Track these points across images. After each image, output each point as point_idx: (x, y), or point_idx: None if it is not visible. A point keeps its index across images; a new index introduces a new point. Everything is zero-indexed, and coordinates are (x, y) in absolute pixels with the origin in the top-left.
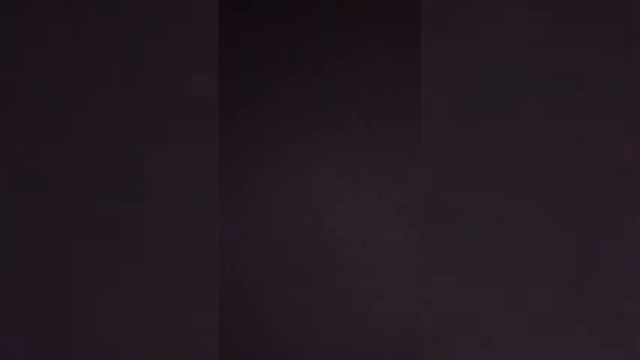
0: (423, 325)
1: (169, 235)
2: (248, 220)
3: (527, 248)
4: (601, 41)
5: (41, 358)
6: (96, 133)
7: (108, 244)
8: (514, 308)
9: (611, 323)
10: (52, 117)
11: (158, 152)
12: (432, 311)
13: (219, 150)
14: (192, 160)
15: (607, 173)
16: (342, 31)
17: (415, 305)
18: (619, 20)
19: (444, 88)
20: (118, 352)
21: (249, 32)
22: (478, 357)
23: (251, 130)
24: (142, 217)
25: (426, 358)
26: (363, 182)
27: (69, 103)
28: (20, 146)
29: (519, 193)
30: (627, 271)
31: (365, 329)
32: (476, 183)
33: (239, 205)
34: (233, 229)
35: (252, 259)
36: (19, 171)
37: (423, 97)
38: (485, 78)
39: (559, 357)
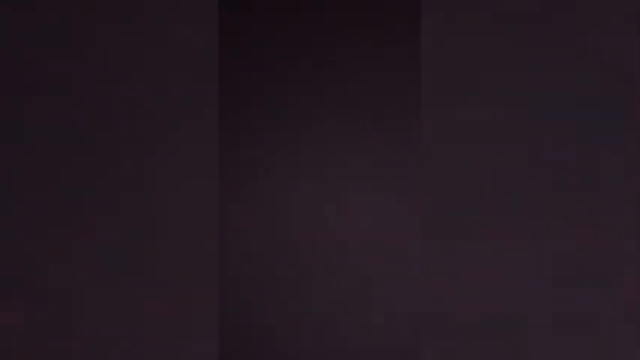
0: (423, 325)
1: (169, 234)
2: (248, 220)
3: (528, 248)
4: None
5: (41, 356)
6: (96, 132)
7: (108, 245)
8: (514, 308)
9: (612, 325)
10: (52, 114)
11: (158, 152)
12: (432, 311)
13: (219, 150)
14: (193, 160)
15: (608, 174)
16: (342, 31)
17: (415, 305)
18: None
19: (444, 88)
20: (118, 352)
21: (249, 32)
22: (478, 357)
23: (251, 130)
24: (142, 217)
25: (426, 358)
26: (363, 182)
27: (68, 103)
28: (20, 144)
29: (520, 192)
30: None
31: (365, 329)
32: (477, 183)
33: (239, 205)
34: (233, 229)
35: (252, 259)
36: (19, 168)
37: (423, 96)
38: (485, 77)
39: (559, 357)
